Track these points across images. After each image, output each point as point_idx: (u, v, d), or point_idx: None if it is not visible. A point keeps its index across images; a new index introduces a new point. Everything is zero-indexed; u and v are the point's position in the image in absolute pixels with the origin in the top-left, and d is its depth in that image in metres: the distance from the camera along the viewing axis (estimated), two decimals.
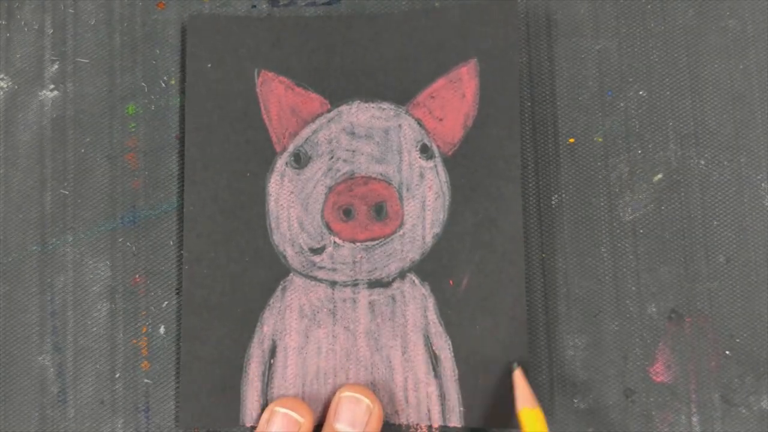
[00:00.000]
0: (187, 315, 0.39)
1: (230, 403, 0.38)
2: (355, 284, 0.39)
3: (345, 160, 0.39)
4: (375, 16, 0.40)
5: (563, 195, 0.39)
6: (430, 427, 0.38)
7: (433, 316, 0.38)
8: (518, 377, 0.37)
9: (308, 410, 0.37)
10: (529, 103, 0.40)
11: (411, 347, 0.38)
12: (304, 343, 0.39)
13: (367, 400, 0.37)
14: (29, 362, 0.39)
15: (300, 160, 0.39)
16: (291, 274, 0.39)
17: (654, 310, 0.38)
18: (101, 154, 0.40)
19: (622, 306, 0.39)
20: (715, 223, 0.39)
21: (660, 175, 0.39)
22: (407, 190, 0.39)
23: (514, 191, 0.39)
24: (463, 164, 0.39)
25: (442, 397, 0.38)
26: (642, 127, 0.40)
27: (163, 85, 0.41)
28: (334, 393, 0.38)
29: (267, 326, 0.39)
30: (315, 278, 0.39)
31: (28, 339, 0.39)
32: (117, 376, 0.39)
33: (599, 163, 0.40)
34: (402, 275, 0.39)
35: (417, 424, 0.38)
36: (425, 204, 0.39)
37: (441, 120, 0.39)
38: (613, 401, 0.38)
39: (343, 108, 0.40)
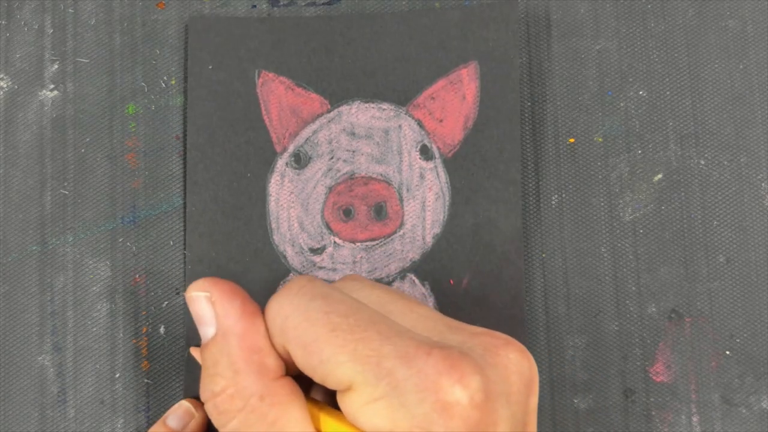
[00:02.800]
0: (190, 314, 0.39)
1: None
2: None
3: (345, 161, 0.39)
4: (375, 16, 0.40)
5: (563, 195, 0.40)
6: None
7: None
8: None
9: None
10: (529, 103, 0.40)
11: None
12: None
13: None
14: (29, 362, 0.39)
15: (300, 161, 0.39)
16: (291, 274, 0.39)
17: (654, 310, 0.38)
18: (101, 154, 0.40)
19: (622, 306, 0.39)
20: (715, 223, 0.39)
21: (660, 175, 0.39)
22: (407, 190, 0.39)
23: (514, 193, 0.39)
24: (464, 166, 0.39)
25: None
26: (642, 127, 0.40)
27: (164, 85, 0.41)
28: None
29: None
30: None
31: (27, 339, 0.39)
32: (117, 376, 0.39)
33: (599, 163, 0.40)
34: (402, 275, 0.39)
35: None
36: (425, 204, 0.39)
37: (441, 121, 0.39)
38: (613, 401, 0.38)
39: (343, 108, 0.40)
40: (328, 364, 0.27)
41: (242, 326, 0.29)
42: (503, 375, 0.27)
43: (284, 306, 0.28)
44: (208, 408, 0.29)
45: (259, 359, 0.28)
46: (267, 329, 0.29)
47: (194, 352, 0.36)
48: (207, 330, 0.29)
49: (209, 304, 0.29)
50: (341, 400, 0.27)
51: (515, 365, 0.27)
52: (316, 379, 0.28)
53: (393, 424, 0.26)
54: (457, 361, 0.26)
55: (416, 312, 0.29)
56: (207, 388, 0.29)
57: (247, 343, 0.28)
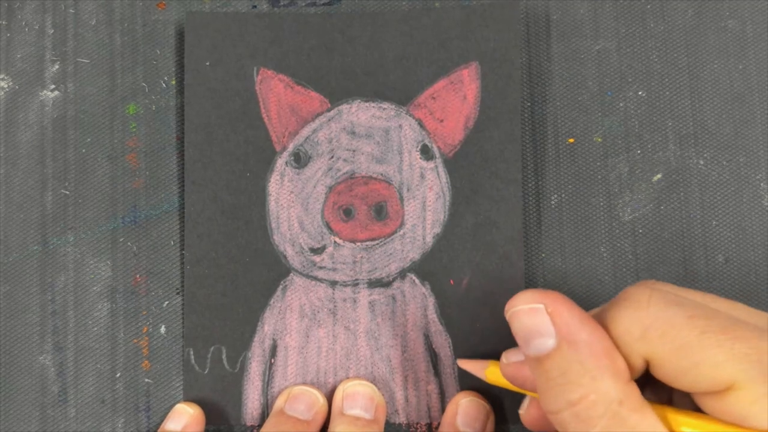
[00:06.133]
0: (188, 315, 0.39)
1: (231, 401, 0.38)
2: (355, 284, 0.39)
3: (345, 160, 0.39)
4: (376, 15, 0.40)
5: (563, 195, 0.40)
6: (429, 425, 0.38)
7: (433, 315, 0.38)
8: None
9: (323, 394, 0.38)
10: (529, 104, 0.40)
11: (411, 346, 0.38)
12: (304, 343, 0.39)
13: (373, 386, 0.37)
14: (30, 362, 0.39)
15: (300, 160, 0.39)
16: (291, 274, 0.39)
17: None
18: (102, 154, 0.40)
19: None
20: (714, 223, 0.39)
21: (659, 175, 0.39)
22: (408, 190, 0.39)
23: (515, 193, 0.39)
24: (464, 166, 0.39)
25: (442, 395, 0.38)
26: (641, 127, 0.40)
27: (164, 85, 0.41)
28: (334, 392, 0.38)
29: (267, 326, 0.39)
30: (315, 278, 0.39)
31: (28, 338, 0.39)
32: (118, 375, 0.39)
33: (599, 163, 0.40)
34: (402, 275, 0.39)
35: (417, 423, 0.38)
36: (426, 204, 0.39)
37: (442, 121, 0.39)
38: None
39: (344, 107, 0.40)
40: (702, 367, 0.27)
41: (588, 333, 0.29)
42: None
43: (642, 317, 0.28)
44: (565, 417, 0.28)
45: (612, 364, 0.28)
46: (611, 336, 0.29)
47: (464, 364, 0.37)
48: (545, 341, 0.29)
49: (547, 315, 0.29)
50: (719, 401, 0.27)
51: None
52: (683, 383, 0.28)
53: None
54: None
55: (740, 309, 0.29)
56: (561, 398, 0.28)
57: (597, 349, 0.28)
